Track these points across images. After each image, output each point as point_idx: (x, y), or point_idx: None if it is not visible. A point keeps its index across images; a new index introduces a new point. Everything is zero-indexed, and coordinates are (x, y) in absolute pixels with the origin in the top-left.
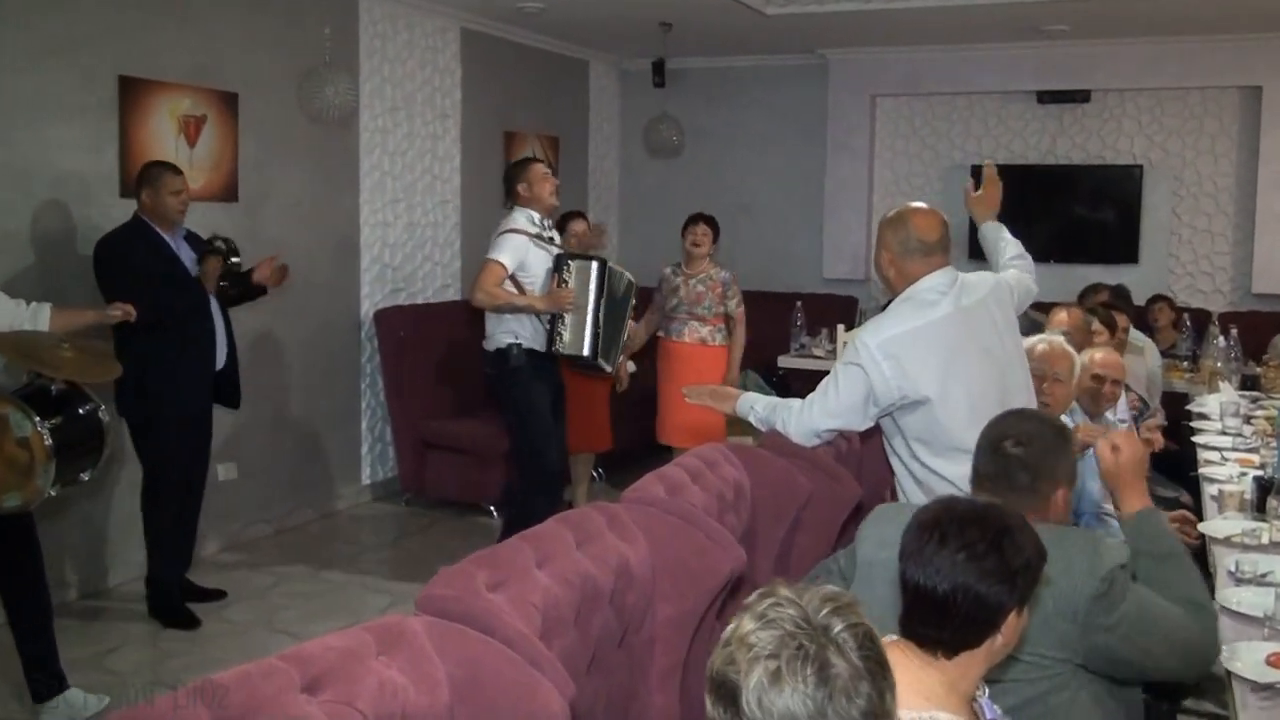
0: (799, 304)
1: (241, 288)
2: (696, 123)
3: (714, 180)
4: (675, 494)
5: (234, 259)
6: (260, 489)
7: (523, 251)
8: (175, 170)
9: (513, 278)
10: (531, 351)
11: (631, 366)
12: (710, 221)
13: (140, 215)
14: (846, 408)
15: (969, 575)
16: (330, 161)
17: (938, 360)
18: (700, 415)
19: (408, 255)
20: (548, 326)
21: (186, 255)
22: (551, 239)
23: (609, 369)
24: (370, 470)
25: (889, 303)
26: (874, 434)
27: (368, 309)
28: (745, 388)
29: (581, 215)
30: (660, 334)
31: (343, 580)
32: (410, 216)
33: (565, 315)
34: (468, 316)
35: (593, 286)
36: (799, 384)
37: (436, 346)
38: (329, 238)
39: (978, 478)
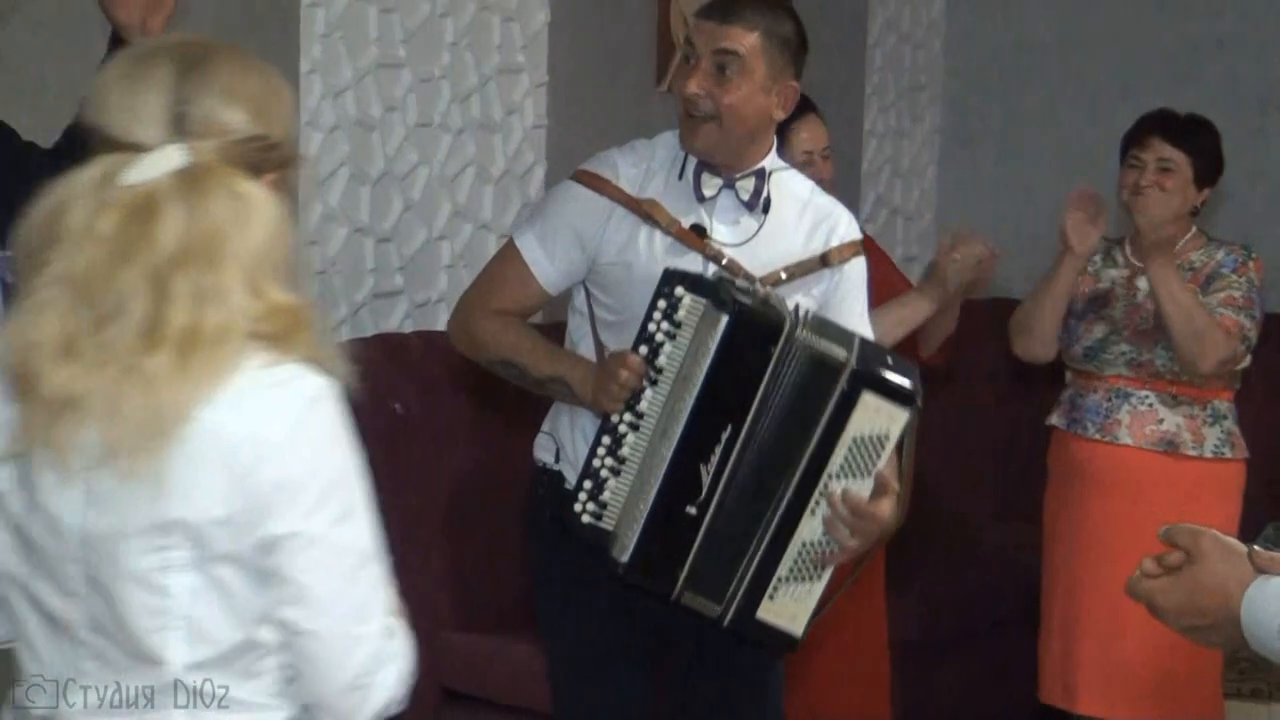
0: None
1: None
2: None
3: (1188, 20)
4: None
5: None
6: None
7: (594, 231)
8: None
9: (589, 297)
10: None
11: None
12: (1196, 133)
13: None
14: None
15: None
16: None
17: None
18: (1163, 638)
19: (417, 209)
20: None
21: None
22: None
23: (714, 612)
24: None
25: None
26: None
27: None
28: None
29: (814, 110)
30: (1053, 421)
31: None
32: (423, 110)
33: (621, 428)
34: None
35: (703, 371)
36: None
37: (486, 431)
38: None
39: None
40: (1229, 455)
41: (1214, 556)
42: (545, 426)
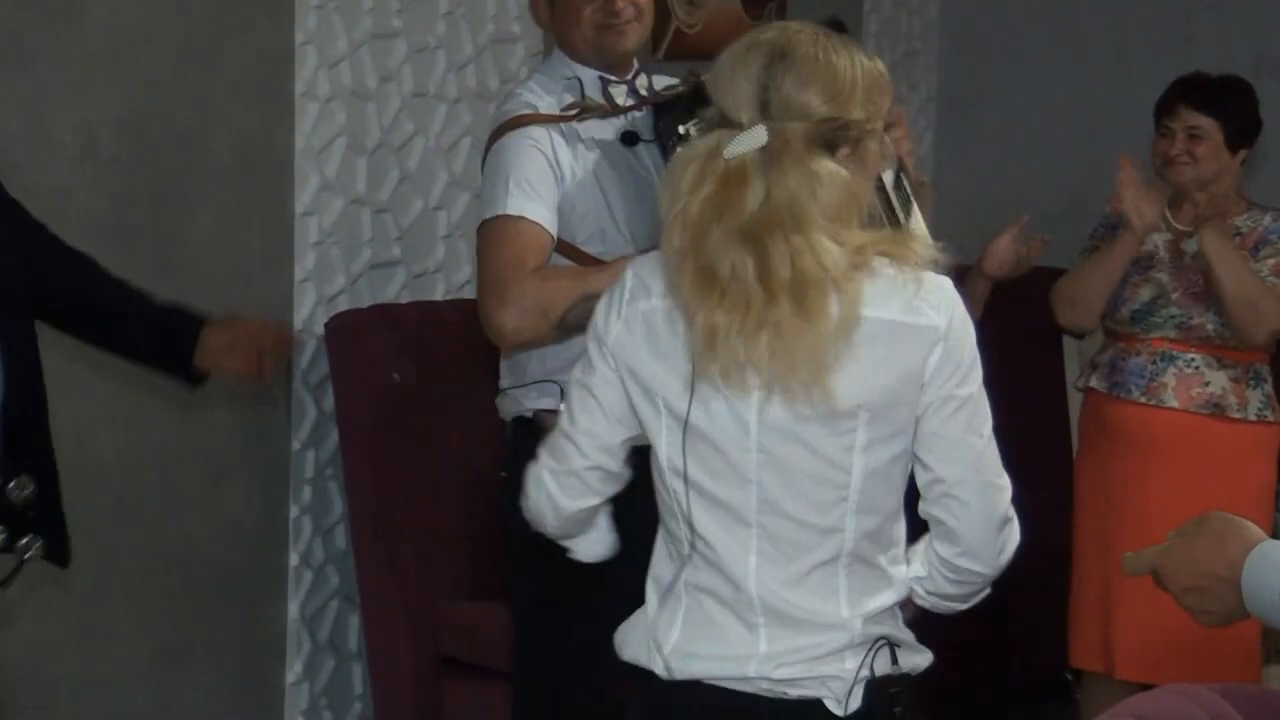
0: None
1: None
2: None
3: None
4: None
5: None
6: None
7: (550, 155)
8: None
9: (570, 250)
10: None
11: None
12: (1225, 96)
13: None
14: None
15: None
16: None
17: None
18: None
19: (413, 179)
20: None
21: None
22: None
23: None
24: None
25: None
26: None
27: (310, 310)
28: None
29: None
30: (1093, 384)
31: None
32: (419, 80)
33: None
34: None
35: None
36: None
37: (483, 399)
38: (216, 126)
39: None
40: (1270, 418)
41: (1218, 527)
42: (534, 375)
